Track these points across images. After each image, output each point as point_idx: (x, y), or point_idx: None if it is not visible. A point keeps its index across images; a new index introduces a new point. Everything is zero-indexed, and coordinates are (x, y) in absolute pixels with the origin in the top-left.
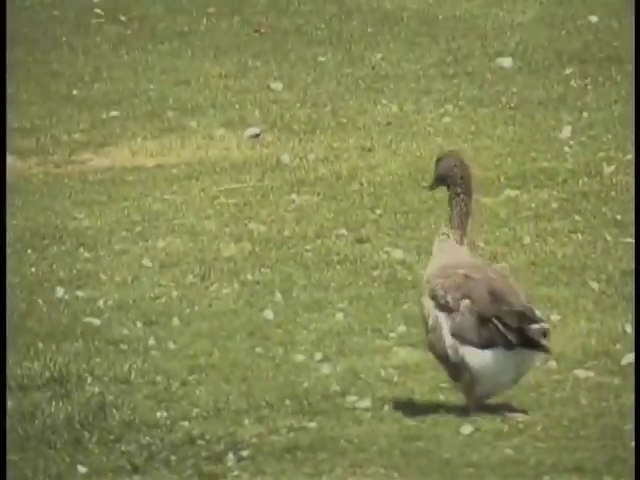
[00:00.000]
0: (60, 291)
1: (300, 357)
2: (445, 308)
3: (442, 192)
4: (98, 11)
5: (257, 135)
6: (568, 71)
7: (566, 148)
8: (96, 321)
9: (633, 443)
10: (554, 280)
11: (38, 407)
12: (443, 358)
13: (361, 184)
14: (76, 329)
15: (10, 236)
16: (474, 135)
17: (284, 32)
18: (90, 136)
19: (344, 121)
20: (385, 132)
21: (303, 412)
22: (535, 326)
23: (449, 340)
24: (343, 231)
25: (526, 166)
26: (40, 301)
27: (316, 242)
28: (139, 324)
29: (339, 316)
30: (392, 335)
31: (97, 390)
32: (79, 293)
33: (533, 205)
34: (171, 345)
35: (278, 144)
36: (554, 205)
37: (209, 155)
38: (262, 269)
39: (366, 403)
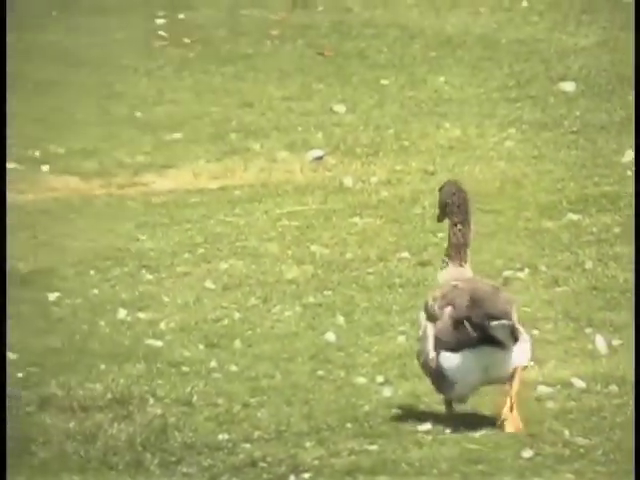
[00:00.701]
0: (122, 313)
1: (362, 380)
2: (432, 317)
3: (505, 216)
4: (162, 34)
5: (320, 158)
6: (630, 95)
7: (628, 172)
8: (158, 343)
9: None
10: (615, 305)
11: (100, 428)
12: (424, 365)
13: (423, 207)
14: (138, 351)
15: (73, 257)
16: (536, 159)
17: (347, 55)
18: (153, 158)
19: (406, 144)
20: (447, 155)
21: (364, 435)
22: (495, 322)
23: (430, 347)
24: (405, 254)
25: (588, 190)
26: (102, 323)
27: (378, 265)
28: (201, 346)
29: (401, 339)
30: None
31: (159, 412)
32: (141, 315)
33: (595, 229)
34: (233, 367)
35: (341, 167)
36: (616, 229)
37: (272, 177)
38: (324, 292)
39: (427, 426)
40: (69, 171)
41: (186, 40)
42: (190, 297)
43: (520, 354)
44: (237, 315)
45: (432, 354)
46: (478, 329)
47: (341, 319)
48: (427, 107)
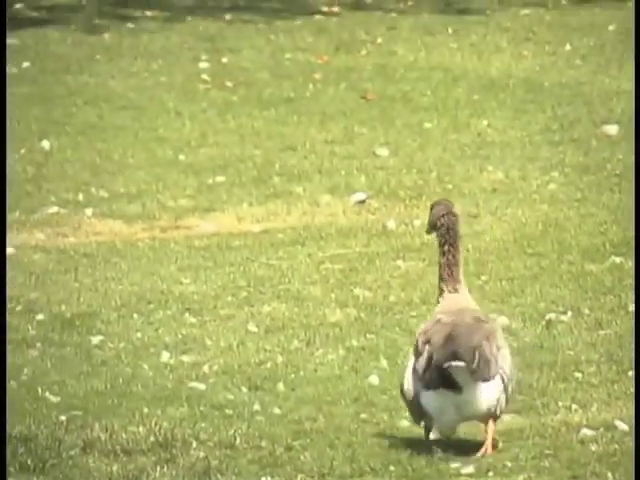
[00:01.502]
0: (166, 356)
1: (405, 423)
2: (416, 352)
3: (548, 259)
4: (205, 77)
5: (363, 201)
6: None
7: None
8: (201, 386)
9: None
10: None
11: (143, 472)
12: (404, 399)
13: (467, 250)
14: (181, 394)
15: (116, 301)
16: (579, 202)
17: (390, 98)
18: (196, 201)
19: (450, 187)
20: (491, 199)
21: (407, 477)
22: (451, 364)
23: (409, 383)
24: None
25: (631, 233)
26: (146, 366)
27: (421, 308)
28: (244, 389)
29: None
30: None
31: (202, 455)
32: (184, 358)
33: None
34: (276, 410)
35: (384, 210)
36: None
37: (315, 221)
38: (367, 335)
39: (470, 469)
40: (112, 215)
41: (229, 83)
42: (233, 340)
43: (491, 392)
44: (280, 358)
45: (408, 388)
46: (436, 371)
47: (384, 362)
48: (470, 150)
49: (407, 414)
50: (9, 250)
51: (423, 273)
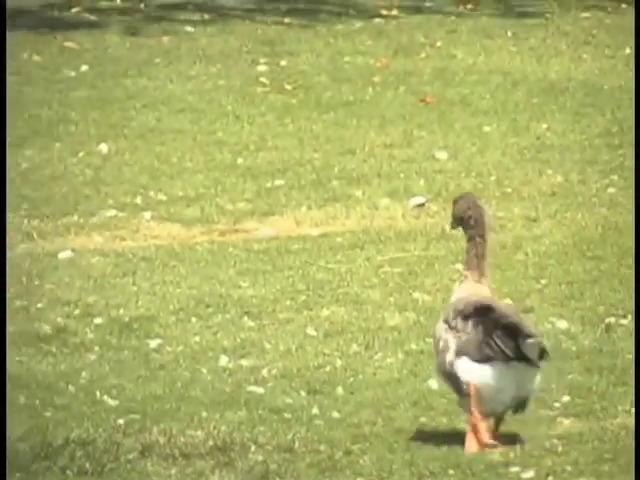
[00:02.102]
0: (224, 360)
1: (464, 426)
2: (454, 329)
3: (607, 263)
4: (263, 80)
5: (422, 204)
6: None
7: None
8: (260, 390)
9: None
10: None
11: (201, 475)
12: (448, 376)
13: (526, 254)
14: (240, 398)
15: (174, 305)
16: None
17: (450, 102)
18: (255, 205)
19: (509, 191)
20: (550, 202)
21: None
22: (529, 340)
23: (453, 359)
24: (507, 301)
25: None
26: (204, 370)
27: None
28: (303, 393)
29: None
30: (556, 405)
31: (260, 458)
32: (243, 362)
33: None
34: (335, 414)
35: (443, 213)
36: None
37: (374, 224)
38: (426, 338)
39: (530, 474)
40: (171, 218)
41: (288, 87)
42: (292, 344)
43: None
44: (339, 362)
45: (457, 365)
46: (512, 344)
47: None
48: (529, 154)
49: (466, 418)
50: (68, 253)
51: None
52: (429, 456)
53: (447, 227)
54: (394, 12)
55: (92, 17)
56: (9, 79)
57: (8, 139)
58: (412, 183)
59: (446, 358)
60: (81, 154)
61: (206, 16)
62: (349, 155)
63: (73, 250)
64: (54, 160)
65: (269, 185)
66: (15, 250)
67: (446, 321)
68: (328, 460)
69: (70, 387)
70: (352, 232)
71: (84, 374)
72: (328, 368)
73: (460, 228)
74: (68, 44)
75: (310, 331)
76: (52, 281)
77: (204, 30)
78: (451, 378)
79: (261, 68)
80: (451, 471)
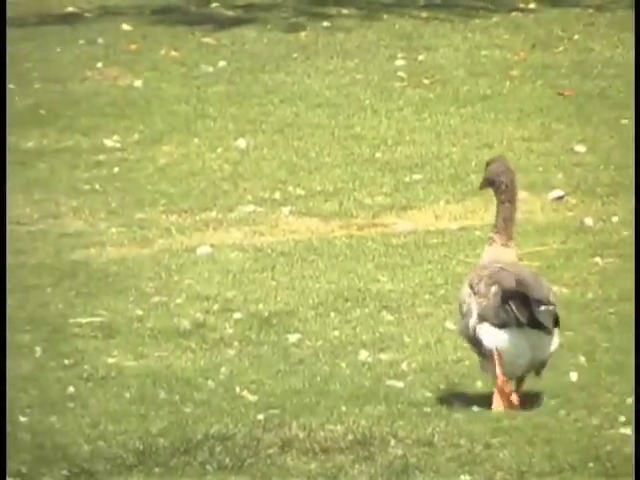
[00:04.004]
0: (363, 354)
1: (602, 420)
2: (477, 294)
3: None
4: (401, 74)
5: (561, 198)
6: None
7: None
8: (399, 384)
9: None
10: None
11: (341, 470)
12: (470, 339)
13: None
14: (379, 392)
15: (313, 299)
16: None
17: (588, 95)
18: (393, 199)
19: None
20: None
21: (606, 474)
22: (542, 308)
23: (475, 322)
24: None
25: None
26: (343, 364)
27: (619, 305)
28: (442, 386)
29: None
30: None
31: (400, 452)
32: (382, 356)
33: None
34: (474, 408)
35: (581, 207)
36: None
37: None
38: (565, 332)
39: None
40: (309, 213)
41: (425, 81)
42: (431, 338)
43: (555, 340)
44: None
45: (477, 329)
46: (526, 311)
47: (582, 359)
48: None
49: (605, 411)
50: (206, 249)
51: (621, 270)
52: (569, 449)
53: (478, 187)
54: (531, 5)
55: (230, 13)
56: (147, 75)
57: (139, 136)
58: (550, 176)
59: (469, 322)
60: (219, 149)
61: (344, 11)
62: (487, 149)
63: (212, 245)
64: (192, 156)
65: (407, 179)
66: (153, 246)
67: (470, 285)
68: (468, 454)
69: (209, 382)
70: (490, 226)
71: (223, 369)
72: (467, 362)
73: (490, 190)
74: (206, 40)
75: (449, 325)
76: (191, 276)
77: (342, 25)
78: (473, 341)
79: (399, 62)
80: (591, 464)
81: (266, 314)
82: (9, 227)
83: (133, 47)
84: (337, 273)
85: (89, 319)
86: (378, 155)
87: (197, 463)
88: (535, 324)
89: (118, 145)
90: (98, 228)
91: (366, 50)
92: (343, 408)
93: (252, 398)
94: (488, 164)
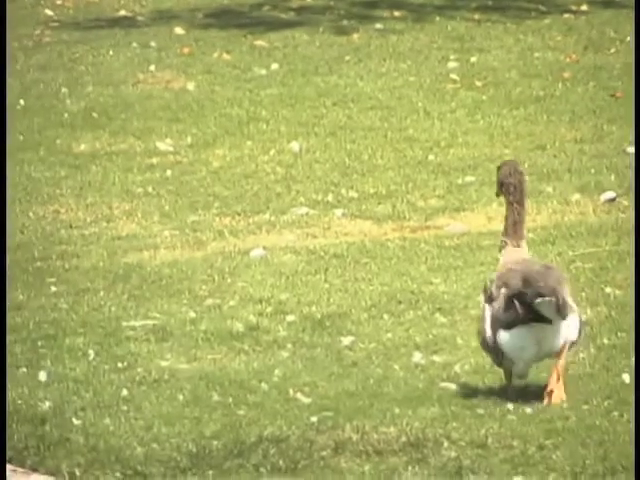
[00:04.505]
0: (417, 356)
1: None
2: (490, 299)
3: None
4: (454, 77)
5: (613, 199)
6: None
7: None
8: (453, 386)
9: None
10: None
11: (395, 471)
12: (484, 345)
13: None
14: (433, 394)
15: (366, 301)
16: None
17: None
18: (446, 201)
19: None
20: None
21: None
22: (539, 300)
23: (487, 326)
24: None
25: None
26: (397, 366)
27: None
28: (495, 388)
29: None
30: None
31: (453, 454)
32: (436, 358)
33: None
34: (528, 409)
35: (634, 209)
36: None
37: (565, 220)
38: (619, 333)
39: None
40: (362, 215)
41: (478, 83)
42: None
43: (569, 329)
44: None
45: (489, 333)
46: (525, 307)
47: (634, 361)
48: None
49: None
50: (260, 251)
51: None
52: (622, 451)
53: (495, 195)
54: (584, 7)
55: (282, 15)
56: (200, 78)
57: (192, 139)
58: (603, 178)
59: (483, 329)
60: (272, 152)
61: (396, 13)
62: (539, 151)
63: (265, 248)
64: (245, 158)
65: (460, 181)
66: (207, 248)
67: (484, 291)
68: (521, 455)
69: (263, 385)
70: (543, 227)
71: (277, 372)
72: None
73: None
74: (258, 42)
75: None
76: (244, 279)
77: (394, 27)
78: (487, 348)
79: (451, 65)
80: None
81: (319, 316)
82: (62, 231)
83: (186, 50)
84: (390, 275)
85: (142, 322)
86: (431, 157)
87: (250, 466)
88: (536, 317)
89: (171, 148)
90: (151, 231)
91: (418, 52)
92: (396, 410)
93: (305, 400)
94: (498, 168)
